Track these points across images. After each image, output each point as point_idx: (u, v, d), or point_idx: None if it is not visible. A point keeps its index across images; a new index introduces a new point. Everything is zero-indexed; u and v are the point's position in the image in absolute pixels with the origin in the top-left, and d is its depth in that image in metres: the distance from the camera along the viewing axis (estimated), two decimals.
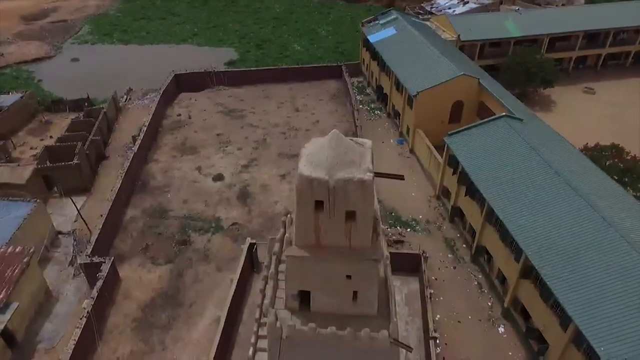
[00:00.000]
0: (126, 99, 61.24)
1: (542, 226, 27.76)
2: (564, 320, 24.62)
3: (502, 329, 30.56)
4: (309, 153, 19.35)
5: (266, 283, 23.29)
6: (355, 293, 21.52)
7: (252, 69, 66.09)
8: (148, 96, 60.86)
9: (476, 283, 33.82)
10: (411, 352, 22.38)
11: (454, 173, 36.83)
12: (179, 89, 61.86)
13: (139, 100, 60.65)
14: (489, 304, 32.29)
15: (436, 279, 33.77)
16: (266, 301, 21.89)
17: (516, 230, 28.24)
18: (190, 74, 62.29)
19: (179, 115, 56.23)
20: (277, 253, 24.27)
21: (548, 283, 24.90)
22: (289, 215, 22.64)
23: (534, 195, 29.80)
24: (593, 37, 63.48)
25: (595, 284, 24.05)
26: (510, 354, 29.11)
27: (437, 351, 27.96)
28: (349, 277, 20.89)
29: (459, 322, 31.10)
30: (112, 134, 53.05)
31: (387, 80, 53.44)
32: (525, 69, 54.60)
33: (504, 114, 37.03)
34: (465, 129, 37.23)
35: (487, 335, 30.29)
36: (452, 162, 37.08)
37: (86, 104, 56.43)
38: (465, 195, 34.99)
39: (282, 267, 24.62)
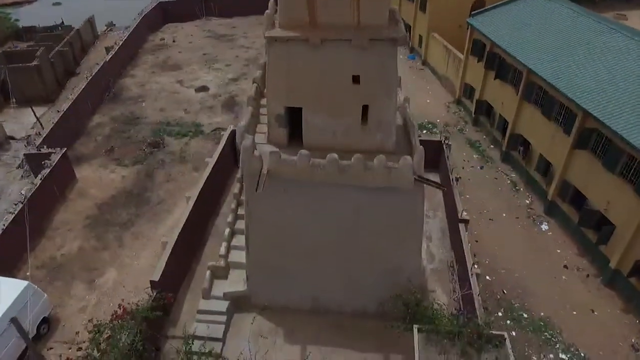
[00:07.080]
0: (106, 30, 55.37)
1: (601, 81, 21.64)
2: None
3: (546, 226, 24.46)
4: None
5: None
6: (365, 109, 15.35)
7: None
8: (130, 28, 54.78)
9: (509, 182, 27.73)
10: (444, 190, 16.30)
11: (479, 60, 30.74)
12: (165, 19, 55.79)
13: (119, 31, 54.62)
14: (527, 201, 26.20)
15: (460, 177, 27.62)
16: (241, 123, 15.80)
17: (570, 89, 22.11)
18: (177, 1, 56.22)
19: (162, 39, 50.24)
20: (257, 80, 18.21)
21: (621, 133, 18.79)
22: None
23: (587, 54, 23.62)
24: None
25: None
26: (558, 251, 22.98)
27: (468, 246, 21.85)
28: (356, 80, 14.78)
29: (490, 219, 24.99)
30: (86, 56, 47.21)
31: None
32: None
33: None
34: (492, 8, 31.16)
35: (527, 233, 24.16)
36: (476, 48, 31.00)
37: (60, 29, 50.73)
38: (495, 79, 28.90)
39: (264, 100, 18.54)
